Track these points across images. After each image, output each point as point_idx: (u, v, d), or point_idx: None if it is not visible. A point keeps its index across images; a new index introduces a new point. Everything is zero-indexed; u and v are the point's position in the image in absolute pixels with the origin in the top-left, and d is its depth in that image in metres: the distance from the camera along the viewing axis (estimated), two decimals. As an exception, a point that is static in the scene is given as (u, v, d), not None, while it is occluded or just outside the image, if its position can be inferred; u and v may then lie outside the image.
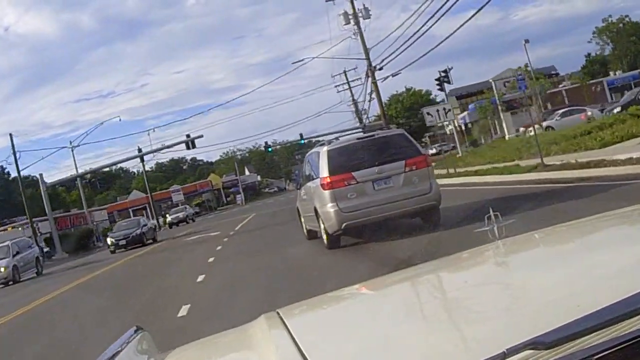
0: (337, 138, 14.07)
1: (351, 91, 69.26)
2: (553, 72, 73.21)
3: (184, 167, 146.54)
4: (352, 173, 12.17)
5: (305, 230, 15.39)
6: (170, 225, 64.89)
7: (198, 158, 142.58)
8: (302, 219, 15.61)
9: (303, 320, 1.91)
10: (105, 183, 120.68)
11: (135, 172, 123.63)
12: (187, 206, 73.61)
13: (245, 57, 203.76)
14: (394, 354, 1.29)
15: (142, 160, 47.42)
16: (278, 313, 1.82)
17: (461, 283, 1.97)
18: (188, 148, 46.63)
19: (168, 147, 50.10)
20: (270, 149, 64.34)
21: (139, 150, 48.77)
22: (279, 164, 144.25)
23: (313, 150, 14.48)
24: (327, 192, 12.21)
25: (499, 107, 52.62)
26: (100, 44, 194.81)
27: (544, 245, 2.22)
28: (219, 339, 2.05)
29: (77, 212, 74.01)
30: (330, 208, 12.16)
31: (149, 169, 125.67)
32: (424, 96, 72.20)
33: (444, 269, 2.24)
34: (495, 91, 53.32)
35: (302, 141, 61.45)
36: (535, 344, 1.02)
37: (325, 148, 12.78)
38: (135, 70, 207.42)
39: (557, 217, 8.32)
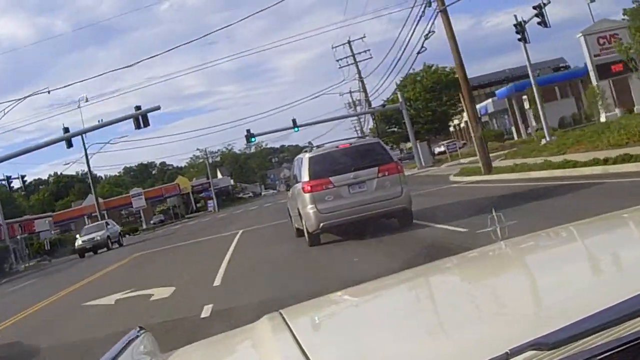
0: (309, 142, 18.00)
1: (357, 66, 53.26)
2: (562, 65, 67.05)
3: (153, 171, 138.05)
4: (330, 178, 13.28)
5: (294, 229, 16.01)
6: (82, 252, 38.91)
7: (167, 163, 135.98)
8: (292, 219, 16.39)
9: (306, 321, 1.92)
10: (67, 188, 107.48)
11: (103, 176, 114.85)
12: (111, 221, 46.03)
13: (217, 63, 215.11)
14: (397, 354, 1.29)
15: (70, 144, 31.00)
16: (281, 314, 1.81)
17: (464, 284, 1.97)
18: (138, 127, 30.22)
19: (109, 123, 33.58)
20: (253, 139, 47.67)
21: (66, 130, 31.83)
22: (253, 168, 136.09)
23: (299, 156, 15.26)
24: (307, 195, 13.34)
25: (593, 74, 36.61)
26: (73, 49, 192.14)
27: (547, 246, 2.21)
28: (222, 340, 2.05)
29: (24, 218, 61.39)
30: (310, 209, 13.26)
31: (117, 174, 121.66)
32: (449, 74, 56.69)
33: (447, 270, 2.24)
34: (588, 50, 37.05)
35: (297, 129, 45.69)
36: (538, 345, 1.02)
37: (307, 155, 14.05)
38: (107, 75, 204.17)
39: None
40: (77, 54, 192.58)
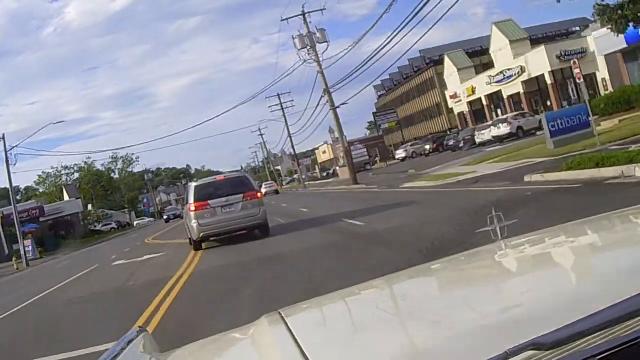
0: (194, 177, 24.09)
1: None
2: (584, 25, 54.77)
3: (18, 197, 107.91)
4: (209, 201, 18.56)
5: (189, 239, 20.95)
6: None
7: (34, 187, 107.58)
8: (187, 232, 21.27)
9: (305, 321, 1.91)
10: None
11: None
12: None
13: (97, 88, 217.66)
14: (396, 354, 1.29)
15: None
16: (280, 313, 1.82)
17: (463, 283, 1.96)
18: None
19: None
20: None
21: None
22: (120, 190, 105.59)
23: (189, 184, 21.46)
24: (192, 213, 18.58)
25: None
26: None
27: (546, 245, 2.20)
28: (220, 340, 2.04)
29: None
30: (194, 223, 18.52)
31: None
32: None
33: (446, 269, 2.23)
34: None
35: None
36: (537, 345, 1.02)
37: (193, 184, 19.93)
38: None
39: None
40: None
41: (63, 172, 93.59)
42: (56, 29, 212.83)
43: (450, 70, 63.37)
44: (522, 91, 49.87)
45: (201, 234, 18.42)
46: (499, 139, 41.02)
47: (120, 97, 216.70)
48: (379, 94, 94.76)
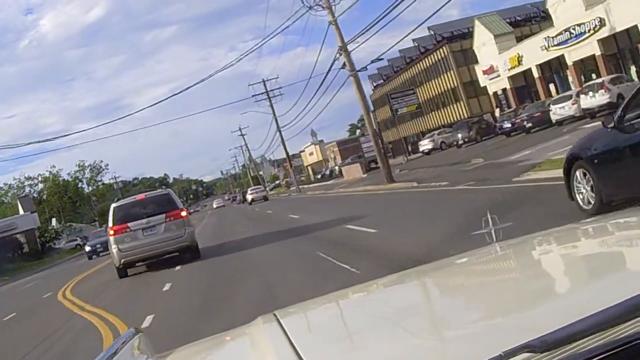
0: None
1: None
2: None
3: None
4: (128, 223, 16.96)
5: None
6: None
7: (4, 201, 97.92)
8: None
9: (300, 322, 1.92)
10: None
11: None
12: None
13: (75, 100, 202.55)
14: (390, 355, 1.29)
15: None
16: (275, 315, 1.81)
17: (458, 285, 1.96)
18: None
19: None
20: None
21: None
22: (90, 200, 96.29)
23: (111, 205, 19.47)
24: (112, 238, 17.11)
25: None
26: None
27: (541, 248, 2.20)
28: (215, 341, 2.05)
29: None
30: (114, 249, 17.11)
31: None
32: None
33: (441, 272, 2.22)
34: None
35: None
36: (531, 347, 1.03)
37: (113, 205, 18.07)
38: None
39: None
40: None
41: (26, 183, 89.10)
42: (32, 41, 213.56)
43: (483, 38, 49.94)
44: (598, 53, 36.35)
45: (122, 260, 17.18)
46: (590, 113, 28.72)
47: (98, 108, 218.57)
48: (375, 84, 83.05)
